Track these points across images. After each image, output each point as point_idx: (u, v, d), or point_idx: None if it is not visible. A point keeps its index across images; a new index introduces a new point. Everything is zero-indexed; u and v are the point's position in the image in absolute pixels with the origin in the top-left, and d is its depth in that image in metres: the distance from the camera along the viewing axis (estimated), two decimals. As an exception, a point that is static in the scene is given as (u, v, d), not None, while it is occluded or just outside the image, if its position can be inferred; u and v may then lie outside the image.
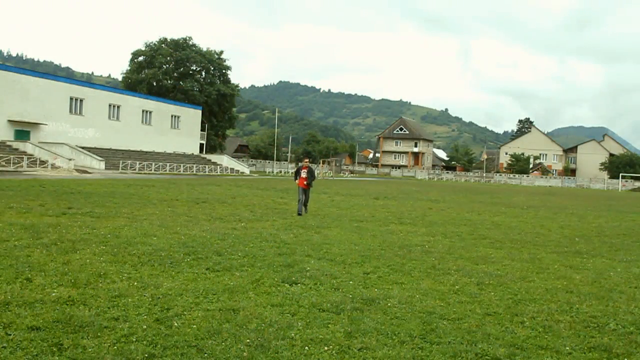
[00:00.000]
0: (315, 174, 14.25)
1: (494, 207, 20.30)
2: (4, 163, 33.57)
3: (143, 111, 54.09)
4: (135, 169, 43.13)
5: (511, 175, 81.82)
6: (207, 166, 52.57)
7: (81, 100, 47.05)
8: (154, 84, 64.31)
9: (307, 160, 14.13)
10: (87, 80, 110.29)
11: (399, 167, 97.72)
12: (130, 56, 66.56)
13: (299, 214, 13.12)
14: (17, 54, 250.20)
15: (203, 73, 68.61)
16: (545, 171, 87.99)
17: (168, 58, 64.81)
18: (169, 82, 65.39)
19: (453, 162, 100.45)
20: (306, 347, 3.84)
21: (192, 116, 59.82)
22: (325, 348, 3.85)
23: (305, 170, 13.60)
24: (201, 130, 62.34)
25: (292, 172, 71.67)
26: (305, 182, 13.53)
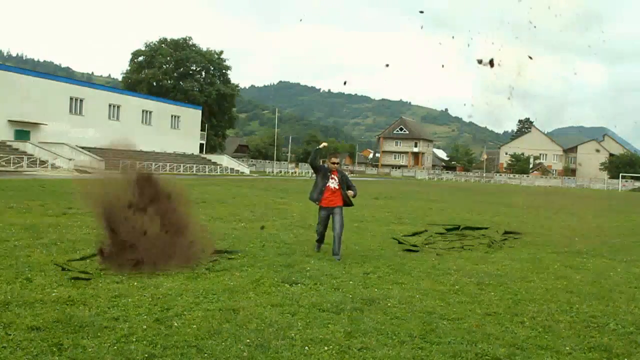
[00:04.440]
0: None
1: (494, 207, 20.30)
2: (4, 163, 33.57)
3: (143, 111, 54.09)
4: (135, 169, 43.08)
5: (511, 176, 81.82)
6: (207, 166, 52.58)
7: (81, 100, 47.06)
8: (154, 84, 64.33)
9: (335, 160, 7.70)
10: (87, 80, 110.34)
11: (399, 167, 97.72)
12: (130, 56, 66.65)
13: (319, 248, 7.87)
14: (17, 54, 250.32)
15: (203, 73, 68.63)
16: (545, 171, 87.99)
17: (168, 58, 64.83)
18: (169, 82, 65.41)
19: (453, 162, 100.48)
20: (306, 347, 3.84)
21: (192, 116, 59.82)
22: (325, 348, 3.85)
23: (335, 178, 7.62)
24: (201, 130, 62.34)
25: (291, 170, 71.67)
26: (337, 199, 7.59)
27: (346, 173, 7.82)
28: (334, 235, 7.41)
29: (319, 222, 7.75)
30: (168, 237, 5.64)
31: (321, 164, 7.80)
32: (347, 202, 7.69)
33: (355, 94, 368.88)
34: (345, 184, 7.72)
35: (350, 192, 7.67)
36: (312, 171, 7.87)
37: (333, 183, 7.67)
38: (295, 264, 6.77)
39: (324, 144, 8.21)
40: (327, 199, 7.58)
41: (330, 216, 7.61)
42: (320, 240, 7.89)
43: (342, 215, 7.65)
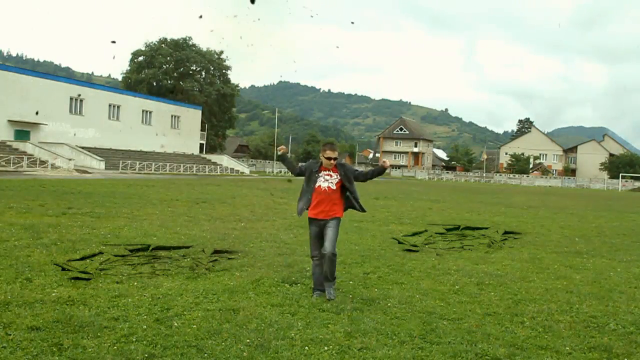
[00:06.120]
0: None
1: (494, 207, 20.29)
2: (4, 163, 33.57)
3: (143, 111, 54.10)
4: (135, 169, 43.14)
5: (511, 176, 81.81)
6: (207, 166, 52.58)
7: (81, 100, 47.06)
8: (154, 84, 64.36)
9: (330, 154, 5.29)
10: (87, 80, 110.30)
11: (399, 167, 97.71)
12: (130, 56, 66.66)
13: (319, 291, 5.30)
14: (17, 54, 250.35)
15: (203, 73, 68.67)
16: (545, 171, 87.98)
17: (168, 58, 64.85)
18: (169, 82, 65.44)
19: (453, 162, 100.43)
20: (306, 347, 3.83)
21: (192, 116, 59.83)
22: (325, 348, 3.85)
23: (332, 174, 5.32)
24: (201, 130, 62.35)
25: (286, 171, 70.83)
26: (334, 206, 5.32)
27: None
28: (324, 256, 5.19)
29: (311, 242, 5.42)
30: None
31: (308, 164, 5.54)
32: (357, 207, 5.45)
33: (355, 94, 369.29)
34: (350, 181, 5.33)
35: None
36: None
37: (327, 181, 5.27)
38: (295, 264, 6.77)
39: (282, 148, 5.68)
40: (318, 208, 5.26)
41: (321, 235, 5.30)
42: (319, 287, 5.33)
43: (337, 229, 5.28)
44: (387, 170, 5.65)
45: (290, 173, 5.63)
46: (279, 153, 5.65)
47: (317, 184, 5.30)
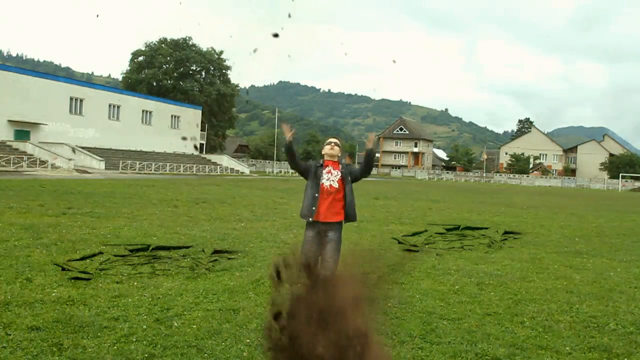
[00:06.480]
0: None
1: (494, 207, 20.29)
2: (4, 163, 33.58)
3: (143, 111, 54.10)
4: (135, 169, 43.15)
5: (511, 176, 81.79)
6: (207, 166, 52.58)
7: (81, 100, 47.07)
8: (154, 84, 64.35)
9: (332, 139, 4.73)
10: (87, 80, 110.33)
11: (399, 167, 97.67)
12: (130, 56, 66.67)
13: None
14: (17, 54, 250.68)
15: (203, 73, 68.68)
16: (545, 171, 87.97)
17: (168, 58, 64.85)
18: (169, 82, 65.43)
19: (453, 162, 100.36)
20: (306, 347, 3.83)
21: (192, 116, 59.81)
22: (325, 348, 3.84)
23: (334, 172, 4.55)
24: (201, 130, 62.34)
25: (291, 170, 71.35)
26: (334, 210, 4.47)
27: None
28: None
29: (303, 247, 4.46)
30: None
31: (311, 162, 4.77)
32: (350, 215, 4.57)
33: (355, 94, 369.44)
34: (349, 181, 4.59)
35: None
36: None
37: (329, 180, 4.52)
38: (295, 264, 6.76)
39: (287, 130, 4.60)
40: (319, 210, 4.47)
41: (318, 244, 4.45)
42: None
43: (340, 242, 4.47)
44: (378, 157, 5.11)
45: (290, 166, 4.82)
46: (289, 139, 4.56)
47: (321, 181, 4.52)
